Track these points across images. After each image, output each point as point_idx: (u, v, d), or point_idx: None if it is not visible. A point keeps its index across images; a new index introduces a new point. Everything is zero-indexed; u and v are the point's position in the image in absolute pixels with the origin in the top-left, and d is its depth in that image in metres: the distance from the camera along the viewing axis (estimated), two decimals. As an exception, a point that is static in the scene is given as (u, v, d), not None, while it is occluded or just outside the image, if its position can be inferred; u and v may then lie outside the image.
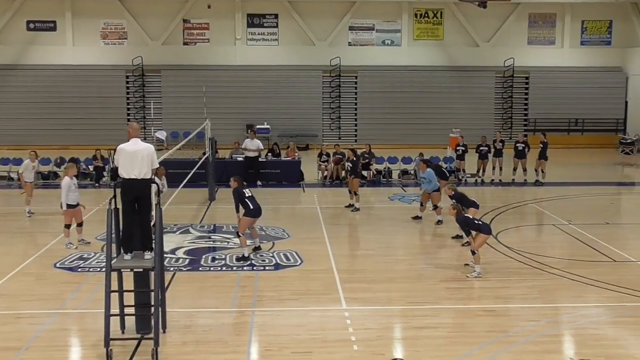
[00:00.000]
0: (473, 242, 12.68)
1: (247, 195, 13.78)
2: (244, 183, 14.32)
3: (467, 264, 13.22)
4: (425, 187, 17.26)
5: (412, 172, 23.99)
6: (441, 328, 10.15)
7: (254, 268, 13.19)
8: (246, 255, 13.58)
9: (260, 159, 23.16)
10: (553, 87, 35.55)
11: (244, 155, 23.10)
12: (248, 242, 14.09)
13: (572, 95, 35.54)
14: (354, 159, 19.16)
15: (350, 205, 19.00)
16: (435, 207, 17.13)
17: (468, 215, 13.24)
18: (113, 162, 22.04)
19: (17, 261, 13.54)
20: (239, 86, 34.45)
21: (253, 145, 22.81)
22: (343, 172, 22.89)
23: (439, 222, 17.03)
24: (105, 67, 34.12)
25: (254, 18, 34.76)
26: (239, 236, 13.72)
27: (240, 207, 13.73)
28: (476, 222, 12.86)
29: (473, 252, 12.68)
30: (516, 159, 23.58)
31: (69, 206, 14.34)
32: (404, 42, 35.24)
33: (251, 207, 13.70)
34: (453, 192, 14.64)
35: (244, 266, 13.25)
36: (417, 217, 17.55)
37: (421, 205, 17.59)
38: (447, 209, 13.84)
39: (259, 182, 22.73)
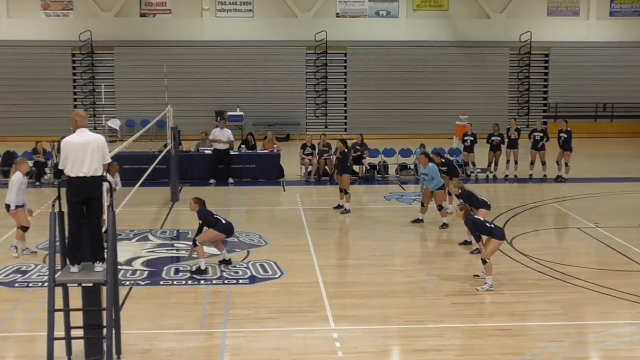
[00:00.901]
0: (484, 249, 12.73)
1: (214, 213, 13.96)
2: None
3: (477, 275, 13.27)
4: (427, 185, 17.33)
5: (412, 166, 24.04)
6: (447, 350, 10.18)
7: (226, 281, 13.16)
8: (203, 267, 13.59)
9: (232, 152, 23.12)
10: (577, 66, 35.75)
11: (212, 148, 23.05)
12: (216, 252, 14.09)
13: (600, 75, 35.77)
14: (344, 150, 19.18)
15: (339, 207, 19.02)
16: (440, 208, 17.19)
17: (478, 217, 13.29)
18: (57, 157, 21.94)
19: (-58, 275, 13.43)
20: (207, 66, 34.37)
21: (223, 135, 22.77)
22: (332, 167, 22.96)
23: (444, 225, 17.09)
24: (47, 44, 33.88)
25: (224, -16, 34.70)
26: (195, 245, 13.70)
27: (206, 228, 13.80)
28: (487, 225, 12.91)
29: (484, 261, 12.72)
30: (533, 151, 23.69)
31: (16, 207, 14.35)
32: (402, 13, 35.30)
33: (224, 221, 13.83)
34: (460, 190, 14.70)
35: (211, 279, 13.23)
36: (418, 220, 17.59)
37: (422, 205, 17.65)
38: (454, 209, 13.89)
39: (230, 180, 22.69)
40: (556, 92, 36.04)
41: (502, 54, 35.70)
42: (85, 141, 9.35)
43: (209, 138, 23.47)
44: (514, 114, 34.44)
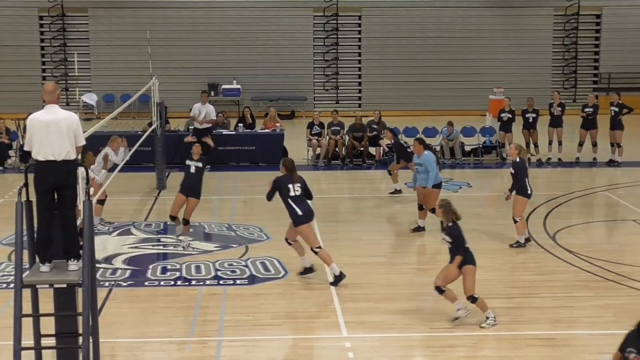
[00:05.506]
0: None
1: (291, 193, 13.35)
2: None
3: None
4: (419, 180, 15.96)
5: (438, 148, 23.98)
6: (479, 363, 10.25)
7: (221, 282, 13.22)
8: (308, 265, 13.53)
9: (216, 133, 22.65)
10: (634, 30, 35.54)
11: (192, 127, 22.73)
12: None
13: (661, 41, 35.59)
14: (406, 145, 18.62)
15: (419, 229, 16.36)
16: (433, 211, 14.90)
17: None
18: (23, 138, 22.01)
19: None
20: (198, 31, 34.31)
21: (203, 112, 22.30)
22: (344, 150, 23.03)
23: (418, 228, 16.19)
24: (9, 4, 33.89)
25: None
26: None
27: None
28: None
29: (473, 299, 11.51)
30: (583, 130, 23.38)
31: None
32: (427, -33, 35.19)
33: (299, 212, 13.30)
34: (519, 159, 14.68)
35: (204, 279, 13.30)
36: (418, 229, 16.18)
37: (420, 209, 16.10)
38: (510, 148, 14.22)
39: (207, 166, 22.25)
40: (609, 61, 35.79)
41: (545, 15, 35.49)
42: (54, 120, 9.33)
43: (190, 114, 23.06)
44: (558, 87, 34.30)
